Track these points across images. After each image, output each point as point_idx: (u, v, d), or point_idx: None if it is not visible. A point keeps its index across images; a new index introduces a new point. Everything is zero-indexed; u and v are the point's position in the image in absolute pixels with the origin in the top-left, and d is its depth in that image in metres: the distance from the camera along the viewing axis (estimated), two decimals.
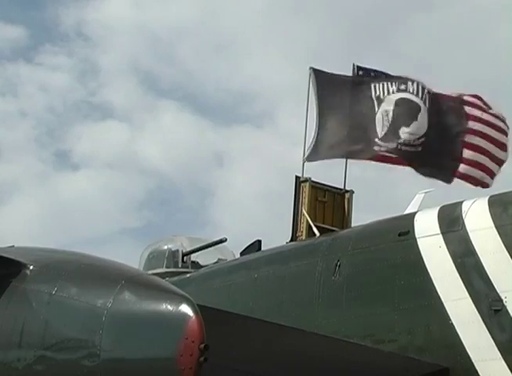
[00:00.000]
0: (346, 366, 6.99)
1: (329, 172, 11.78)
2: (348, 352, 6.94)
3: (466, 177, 11.08)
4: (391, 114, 11.29)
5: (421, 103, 11.37)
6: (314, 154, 11.26)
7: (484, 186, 11.03)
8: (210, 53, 30.31)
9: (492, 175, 11.13)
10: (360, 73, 12.06)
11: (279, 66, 27.82)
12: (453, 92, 11.75)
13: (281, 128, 27.75)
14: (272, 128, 30.22)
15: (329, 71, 11.89)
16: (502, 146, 11.25)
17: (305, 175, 11.05)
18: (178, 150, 30.29)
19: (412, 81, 11.51)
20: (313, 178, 11.05)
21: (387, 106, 11.39)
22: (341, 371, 7.06)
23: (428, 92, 11.47)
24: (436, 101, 11.53)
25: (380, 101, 11.50)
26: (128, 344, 5.47)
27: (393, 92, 11.48)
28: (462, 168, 11.13)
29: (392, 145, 11.08)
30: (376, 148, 11.15)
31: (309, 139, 11.40)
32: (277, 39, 27.91)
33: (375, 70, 12.02)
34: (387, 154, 11.20)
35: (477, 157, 11.14)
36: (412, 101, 11.35)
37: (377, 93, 11.54)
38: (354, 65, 12.14)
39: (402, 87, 11.50)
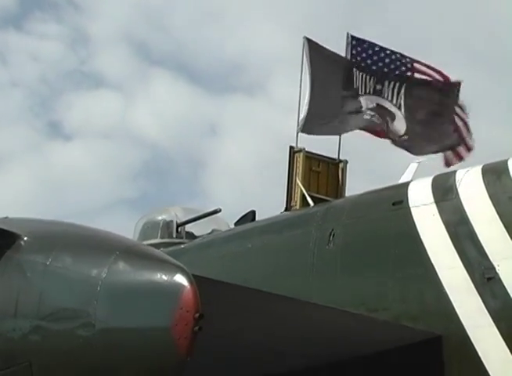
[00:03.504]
0: (340, 335, 7.05)
1: (324, 142, 11.78)
2: (343, 321, 6.98)
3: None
4: (366, 116, 11.51)
5: (396, 111, 11.58)
6: (307, 127, 11.29)
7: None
8: (202, 22, 30.13)
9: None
10: (354, 42, 12.06)
11: (273, 35, 27.65)
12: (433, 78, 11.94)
13: (275, 98, 27.65)
14: (265, 97, 30.12)
15: (322, 44, 11.89)
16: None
17: (299, 145, 11.06)
18: (171, 119, 30.21)
19: (389, 80, 11.65)
20: (307, 148, 11.06)
21: (364, 104, 11.56)
22: (336, 340, 7.11)
23: (409, 81, 11.63)
24: (417, 94, 11.75)
25: (358, 95, 11.67)
26: (123, 314, 5.50)
27: (369, 92, 11.65)
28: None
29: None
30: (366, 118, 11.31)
31: (303, 108, 11.39)
32: (270, 7, 27.74)
33: (369, 42, 12.04)
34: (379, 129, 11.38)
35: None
36: (386, 109, 11.56)
37: (357, 85, 11.68)
38: (348, 34, 12.13)
39: (378, 87, 11.65)
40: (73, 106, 30.72)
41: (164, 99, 29.91)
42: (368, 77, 11.68)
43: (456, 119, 11.76)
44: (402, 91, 11.67)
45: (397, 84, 11.71)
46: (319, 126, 11.32)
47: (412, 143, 11.58)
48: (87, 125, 30.15)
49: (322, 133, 11.43)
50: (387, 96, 11.66)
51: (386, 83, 11.71)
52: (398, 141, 11.61)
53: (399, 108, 11.62)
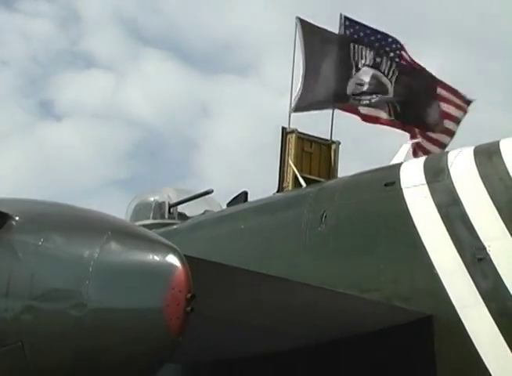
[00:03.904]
0: (332, 315, 7.08)
1: (316, 123, 11.79)
2: (334, 301, 7.01)
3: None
4: (364, 88, 11.54)
5: (389, 85, 11.66)
6: (300, 105, 11.29)
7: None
8: (195, 1, 29.95)
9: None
10: (347, 23, 12.04)
11: (265, 15, 27.56)
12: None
13: (267, 78, 27.63)
14: (258, 77, 30.08)
15: (315, 23, 11.86)
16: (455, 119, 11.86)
17: (292, 126, 11.06)
18: (163, 100, 30.13)
19: (387, 57, 11.71)
20: (300, 129, 11.06)
21: (363, 77, 11.59)
22: (328, 320, 7.15)
23: (398, 67, 11.72)
24: (406, 76, 11.84)
25: (357, 68, 11.69)
26: (115, 294, 5.50)
27: (368, 65, 11.68)
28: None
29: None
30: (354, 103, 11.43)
31: (296, 89, 11.38)
32: None
33: (361, 24, 12.04)
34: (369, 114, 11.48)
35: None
36: (382, 83, 11.61)
37: (356, 58, 11.70)
38: (341, 15, 12.10)
39: (378, 60, 11.71)
40: (64, 86, 30.62)
41: (156, 80, 29.83)
42: (367, 50, 11.69)
43: (443, 105, 11.84)
44: (394, 69, 11.70)
45: (391, 63, 11.73)
46: (312, 102, 11.33)
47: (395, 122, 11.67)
48: (78, 105, 30.07)
49: (313, 108, 11.44)
50: (384, 70, 11.69)
51: (384, 57, 11.73)
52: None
53: (391, 82, 11.69)
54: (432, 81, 11.97)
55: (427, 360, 7.13)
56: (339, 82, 11.50)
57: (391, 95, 11.69)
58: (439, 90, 11.94)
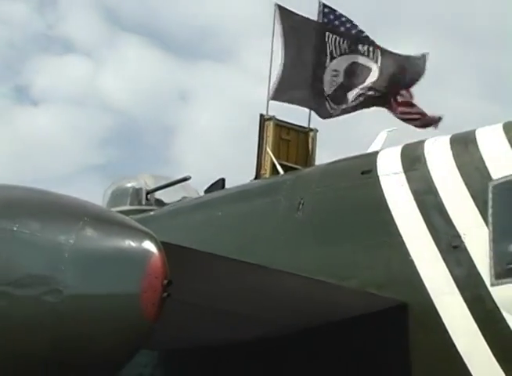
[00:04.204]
0: (308, 302, 7.11)
1: (294, 110, 11.79)
2: (310, 288, 7.03)
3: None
4: (340, 78, 11.52)
5: (372, 64, 11.61)
6: (278, 93, 11.29)
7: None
8: None
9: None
10: (326, 10, 12.03)
11: (245, 1, 27.47)
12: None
13: (246, 65, 27.57)
14: (237, 64, 30.01)
15: (294, 10, 11.85)
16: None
17: (270, 113, 11.07)
18: (141, 85, 29.98)
19: (363, 43, 11.69)
20: (278, 117, 11.07)
21: (338, 66, 11.57)
22: (303, 307, 7.18)
23: (379, 50, 11.69)
24: (386, 58, 11.82)
25: (332, 57, 11.66)
26: (91, 280, 5.49)
27: (345, 52, 11.65)
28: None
29: (341, 107, 11.43)
30: (327, 106, 11.43)
31: (274, 76, 11.38)
32: None
33: (339, 13, 12.04)
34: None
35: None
36: (362, 65, 11.58)
37: (330, 48, 11.68)
38: (320, 2, 12.09)
39: (353, 47, 11.68)
40: (40, 71, 30.38)
41: (134, 65, 29.67)
42: (342, 40, 11.68)
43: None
44: (375, 50, 11.66)
45: (372, 45, 11.70)
46: (290, 94, 11.32)
47: (379, 98, 11.64)
48: (55, 91, 29.86)
49: (292, 101, 11.44)
50: (364, 52, 11.68)
51: (360, 44, 11.72)
52: (366, 97, 11.63)
53: (376, 61, 11.65)
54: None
55: (401, 347, 7.18)
56: (316, 74, 11.50)
57: (375, 70, 11.62)
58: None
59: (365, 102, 11.73)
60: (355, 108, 11.71)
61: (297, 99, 11.46)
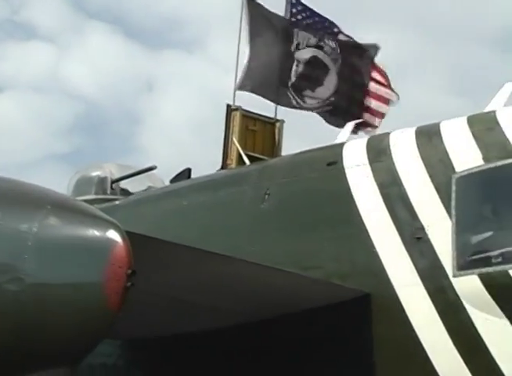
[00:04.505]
0: (272, 292, 7.12)
1: (261, 101, 11.78)
2: (274, 279, 7.05)
3: (367, 124, 11.73)
4: (300, 69, 11.56)
5: (331, 65, 11.68)
6: (244, 84, 11.28)
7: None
8: None
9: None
10: (293, 1, 12.05)
11: None
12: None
13: (214, 55, 27.47)
14: (204, 54, 29.90)
15: (261, 3, 11.86)
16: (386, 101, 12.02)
17: (237, 104, 11.04)
18: (106, 74, 29.76)
19: (329, 38, 11.74)
20: (245, 107, 11.05)
21: (301, 56, 11.62)
22: (267, 296, 7.19)
23: (343, 47, 11.76)
24: (349, 53, 11.90)
25: (297, 49, 11.71)
26: (54, 269, 5.45)
27: (310, 46, 11.71)
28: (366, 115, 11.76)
29: (301, 103, 11.48)
30: (290, 96, 11.47)
31: (241, 67, 11.36)
32: None
33: (307, 7, 12.07)
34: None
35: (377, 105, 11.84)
36: (323, 63, 11.64)
37: (298, 41, 11.73)
38: None
39: (320, 43, 11.75)
40: (4, 57, 29.96)
41: (100, 53, 29.40)
42: (309, 34, 11.73)
43: (372, 85, 11.98)
44: (339, 51, 11.77)
45: (337, 43, 11.78)
46: (256, 85, 11.33)
47: (334, 108, 11.76)
48: (19, 77, 29.47)
49: (257, 92, 11.45)
50: (327, 50, 11.75)
51: (325, 40, 11.78)
52: (321, 106, 11.76)
53: (335, 63, 11.73)
54: (371, 64, 12.06)
55: (364, 338, 7.23)
56: (282, 66, 11.54)
57: (332, 75, 11.75)
58: (374, 74, 12.06)
59: (325, 115, 11.86)
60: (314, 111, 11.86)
61: (262, 90, 11.47)
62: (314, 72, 11.67)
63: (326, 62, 11.73)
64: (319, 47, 11.80)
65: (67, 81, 29.71)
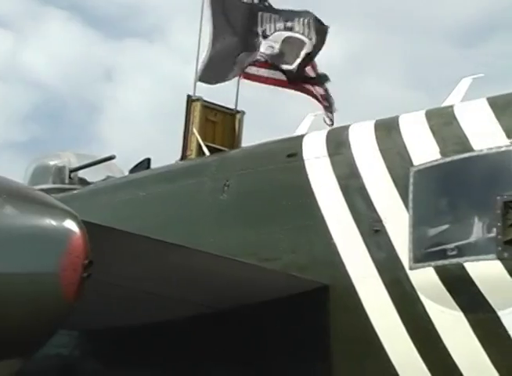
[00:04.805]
0: (229, 283, 7.13)
1: (222, 92, 11.73)
2: (231, 269, 7.06)
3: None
4: (276, 50, 11.42)
5: (307, 40, 11.52)
6: (206, 76, 11.19)
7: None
8: None
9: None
10: None
11: None
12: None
13: (174, 44, 27.28)
14: (164, 43, 29.68)
15: None
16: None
17: (197, 94, 10.98)
18: (64, 61, 29.33)
19: (299, 18, 11.58)
20: (205, 98, 10.99)
21: (273, 42, 11.49)
22: (224, 287, 7.20)
23: (315, 25, 11.63)
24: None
25: (264, 36, 11.57)
26: (9, 259, 5.37)
27: (279, 30, 11.56)
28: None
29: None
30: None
31: (202, 57, 11.29)
32: None
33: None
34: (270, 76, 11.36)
35: None
36: (298, 39, 11.50)
37: (263, 27, 11.58)
38: None
39: (289, 25, 11.59)
40: None
41: (58, 41, 28.99)
42: (276, 17, 11.60)
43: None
44: (313, 25, 11.60)
45: (308, 20, 11.63)
46: (217, 75, 11.24)
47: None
48: None
49: (219, 81, 11.35)
50: (299, 29, 11.62)
51: (296, 19, 11.63)
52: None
53: (310, 38, 11.60)
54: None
55: (322, 329, 7.28)
56: (245, 52, 11.43)
57: (309, 46, 11.56)
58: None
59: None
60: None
61: (222, 77, 11.38)
62: (291, 49, 11.50)
63: (301, 38, 11.57)
64: (288, 29, 11.64)
65: (24, 68, 29.28)
